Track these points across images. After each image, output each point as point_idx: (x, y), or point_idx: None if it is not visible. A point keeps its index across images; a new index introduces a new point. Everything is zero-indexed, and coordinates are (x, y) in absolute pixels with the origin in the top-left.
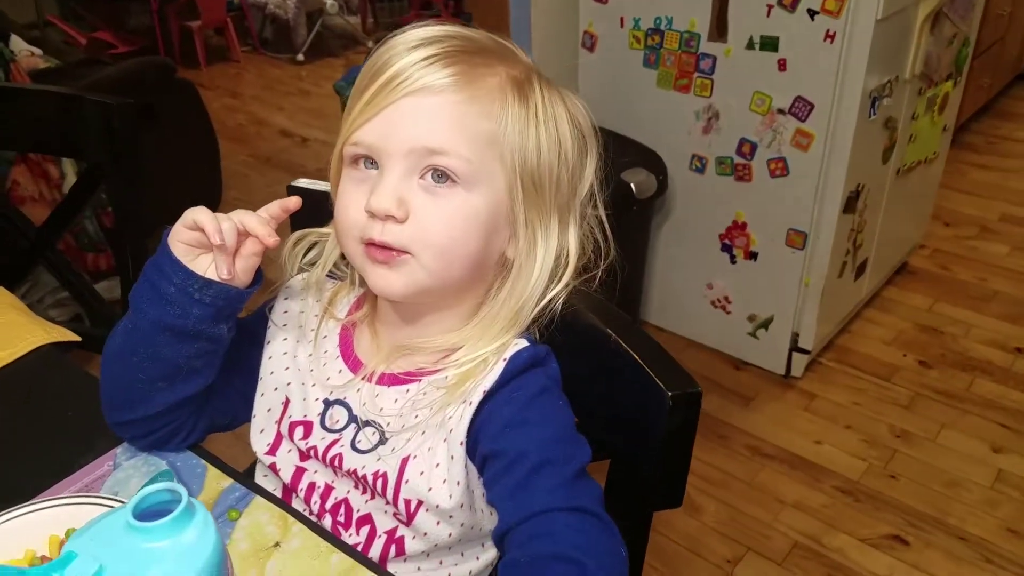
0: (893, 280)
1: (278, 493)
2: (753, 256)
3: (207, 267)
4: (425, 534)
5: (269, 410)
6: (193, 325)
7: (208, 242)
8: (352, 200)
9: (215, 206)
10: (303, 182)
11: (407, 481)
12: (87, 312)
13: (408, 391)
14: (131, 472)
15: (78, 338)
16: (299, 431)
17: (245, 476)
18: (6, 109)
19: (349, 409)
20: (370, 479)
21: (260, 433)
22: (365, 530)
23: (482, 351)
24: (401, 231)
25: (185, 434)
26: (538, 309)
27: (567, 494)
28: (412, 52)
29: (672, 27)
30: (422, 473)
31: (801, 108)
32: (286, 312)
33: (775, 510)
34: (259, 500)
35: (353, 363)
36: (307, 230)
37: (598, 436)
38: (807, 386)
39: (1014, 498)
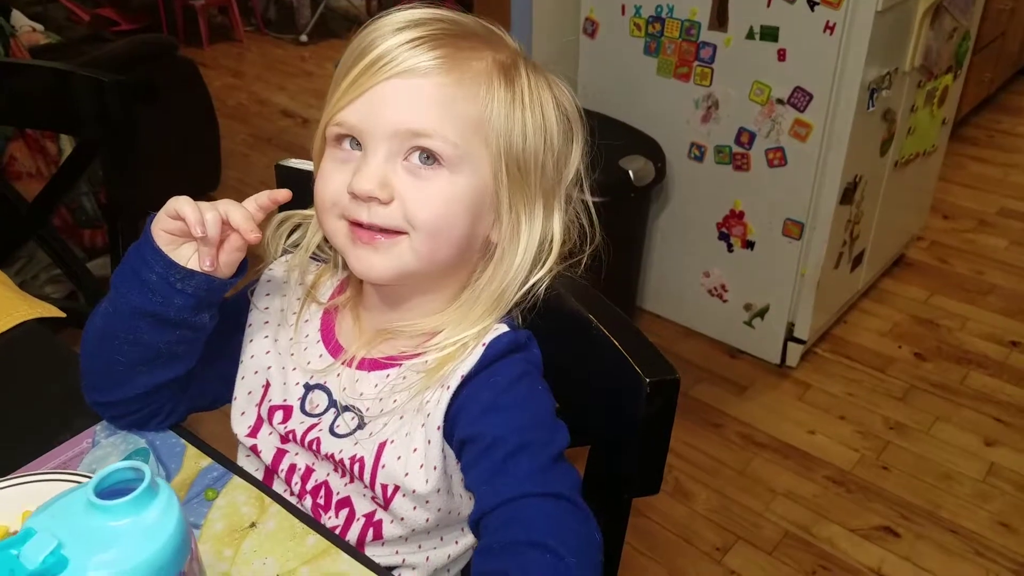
0: (890, 272)
1: (259, 474)
2: (750, 245)
3: (190, 256)
4: (402, 519)
5: (249, 393)
6: (175, 314)
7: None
8: (333, 178)
9: (215, 185)
10: (292, 162)
11: (384, 466)
12: (79, 289)
13: (388, 376)
14: (110, 450)
15: (63, 314)
16: (279, 415)
17: (224, 456)
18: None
19: (329, 394)
20: (347, 463)
21: (241, 416)
22: (344, 513)
23: (462, 335)
24: (389, 213)
25: (165, 415)
26: (520, 293)
27: (543, 479)
28: (398, 34)
29: (673, 15)
30: (399, 458)
31: (800, 98)
32: (268, 295)
33: (766, 499)
34: (237, 480)
35: (334, 348)
36: (291, 211)
37: (578, 422)
38: (802, 376)
39: (1006, 492)
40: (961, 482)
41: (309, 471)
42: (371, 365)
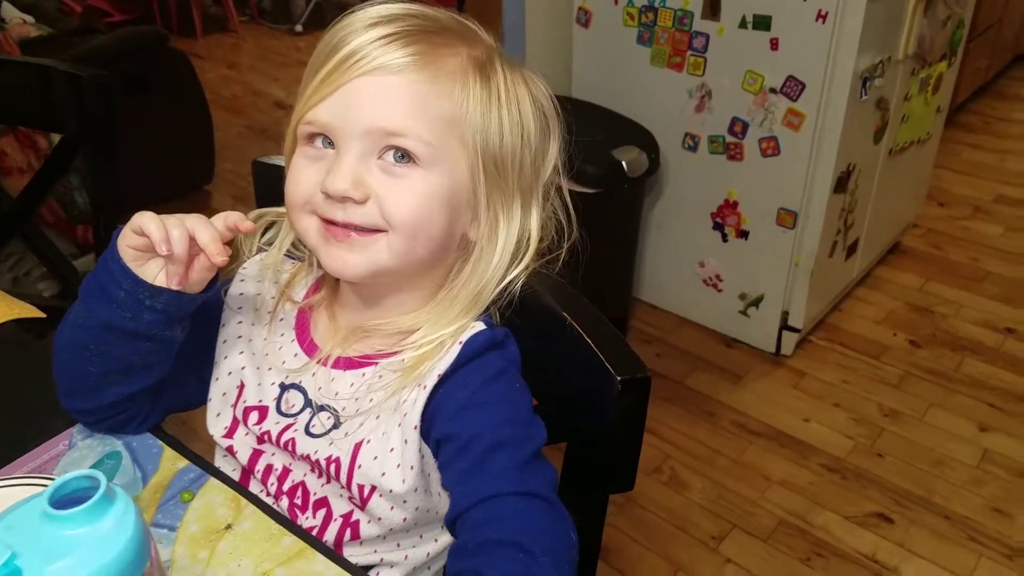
0: (885, 259)
1: (236, 475)
2: (744, 235)
3: (157, 273)
4: (379, 519)
5: (224, 394)
6: (144, 328)
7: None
8: (305, 176)
9: (209, 178)
10: (273, 159)
11: (360, 466)
12: (65, 287)
13: (364, 375)
14: (86, 452)
15: (43, 315)
16: (253, 416)
17: (200, 458)
18: None
19: (304, 393)
20: (323, 464)
21: (216, 417)
22: (321, 513)
23: (439, 333)
24: (366, 212)
25: (141, 419)
26: (497, 291)
27: (518, 478)
28: (370, 30)
29: (666, 5)
30: (376, 458)
31: (793, 87)
32: (242, 295)
33: (761, 487)
34: (213, 482)
35: (309, 347)
36: (265, 209)
37: (554, 418)
38: (797, 364)
39: (1000, 477)
40: (955, 468)
41: (286, 471)
42: (347, 364)
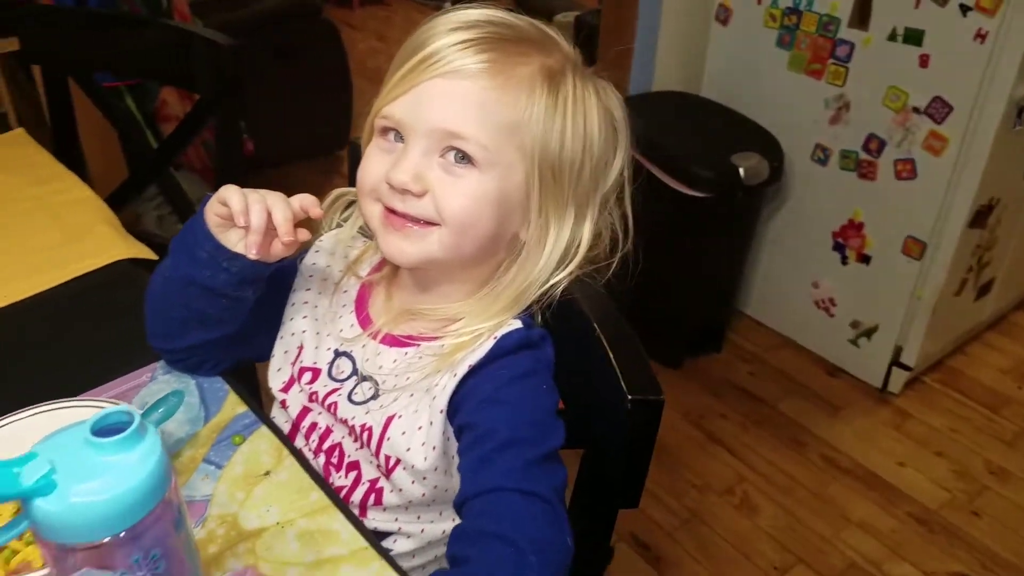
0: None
1: (287, 428)
2: (866, 259)
3: (237, 241)
4: (400, 490)
5: (286, 352)
6: (220, 287)
7: None
8: (374, 166)
9: (343, 145)
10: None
11: (388, 438)
12: None
13: (407, 354)
14: (163, 387)
15: (155, 256)
16: (307, 375)
17: (257, 407)
18: (128, 38)
19: (354, 362)
20: (358, 430)
21: (277, 371)
22: (352, 475)
23: (479, 326)
24: (422, 205)
25: (213, 363)
26: (539, 293)
27: (523, 476)
28: (450, 34)
29: (812, 8)
30: (404, 433)
31: (938, 109)
32: (314, 264)
33: (838, 526)
34: (263, 430)
35: (364, 319)
36: (346, 188)
37: (574, 425)
38: (903, 404)
39: None
40: None
41: (328, 431)
42: (393, 341)
